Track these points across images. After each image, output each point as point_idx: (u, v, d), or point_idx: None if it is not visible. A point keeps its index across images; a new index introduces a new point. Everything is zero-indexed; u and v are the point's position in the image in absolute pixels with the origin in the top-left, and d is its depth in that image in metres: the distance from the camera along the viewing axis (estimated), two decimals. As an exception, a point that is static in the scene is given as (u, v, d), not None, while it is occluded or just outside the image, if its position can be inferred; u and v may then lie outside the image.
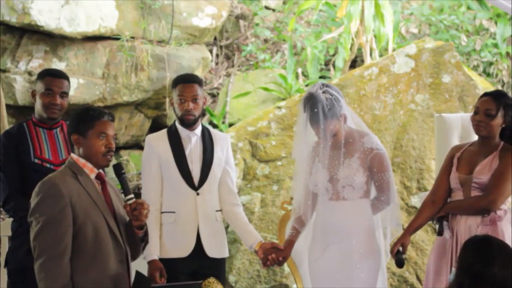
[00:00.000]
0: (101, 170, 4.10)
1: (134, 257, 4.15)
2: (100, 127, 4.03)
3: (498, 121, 4.59)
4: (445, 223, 4.63)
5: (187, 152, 4.84)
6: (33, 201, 3.94)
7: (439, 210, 4.66)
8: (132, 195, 4.09)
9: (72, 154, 4.09)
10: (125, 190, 4.10)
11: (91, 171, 4.05)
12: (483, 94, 4.73)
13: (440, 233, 4.64)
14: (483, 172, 4.57)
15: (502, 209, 4.58)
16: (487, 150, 4.63)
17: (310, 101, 4.56)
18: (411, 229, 4.64)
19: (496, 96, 4.63)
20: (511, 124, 4.63)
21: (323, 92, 4.57)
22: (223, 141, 4.95)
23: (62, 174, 3.99)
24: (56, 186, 3.90)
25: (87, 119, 4.04)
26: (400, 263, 4.55)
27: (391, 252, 4.59)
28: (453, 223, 4.61)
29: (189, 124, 4.85)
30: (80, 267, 3.89)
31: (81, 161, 4.04)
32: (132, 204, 4.03)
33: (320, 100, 4.53)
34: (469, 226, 4.56)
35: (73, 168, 4.01)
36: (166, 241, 4.78)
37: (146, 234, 4.17)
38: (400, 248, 4.58)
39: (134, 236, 4.09)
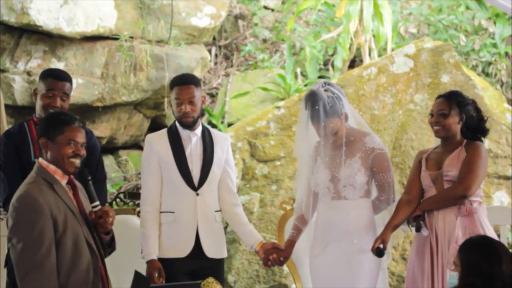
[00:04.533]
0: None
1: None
2: (69, 133, 3.98)
3: (453, 120, 4.66)
4: (421, 222, 4.66)
5: (187, 152, 4.83)
6: (12, 216, 3.85)
7: (415, 209, 4.68)
8: (97, 203, 4.10)
9: (40, 160, 4.03)
10: (91, 197, 4.11)
11: (62, 177, 4.01)
12: (437, 96, 4.82)
13: (418, 228, 4.65)
14: (452, 164, 4.62)
15: (476, 201, 4.62)
16: (452, 147, 4.69)
17: (312, 99, 4.58)
18: (390, 227, 4.62)
19: (448, 96, 4.73)
20: (475, 120, 4.69)
21: (325, 90, 4.59)
22: (223, 141, 4.94)
23: (38, 185, 3.92)
24: (36, 201, 3.84)
25: (57, 124, 3.99)
26: (379, 253, 4.52)
27: (372, 248, 4.55)
28: (431, 220, 4.64)
29: (188, 126, 4.84)
30: (60, 276, 3.87)
31: (51, 168, 3.99)
32: (97, 212, 4.05)
33: (321, 97, 4.55)
34: (448, 220, 4.59)
35: (45, 177, 3.96)
36: (165, 241, 4.77)
37: (112, 239, 4.17)
38: (381, 245, 4.57)
39: (102, 240, 4.11)
